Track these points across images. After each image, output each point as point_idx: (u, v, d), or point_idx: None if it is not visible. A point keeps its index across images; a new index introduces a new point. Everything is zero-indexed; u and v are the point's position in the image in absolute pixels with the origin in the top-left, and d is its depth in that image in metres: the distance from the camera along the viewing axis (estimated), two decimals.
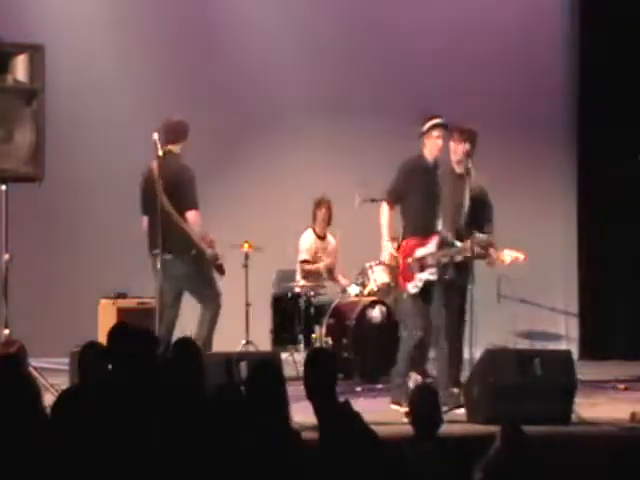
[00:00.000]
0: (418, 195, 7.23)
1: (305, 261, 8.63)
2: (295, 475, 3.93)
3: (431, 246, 7.19)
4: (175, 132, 7.30)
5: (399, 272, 7.38)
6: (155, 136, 7.34)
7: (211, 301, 7.29)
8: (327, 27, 9.70)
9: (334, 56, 9.67)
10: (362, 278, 8.55)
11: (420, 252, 7.25)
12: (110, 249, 9.16)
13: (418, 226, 7.25)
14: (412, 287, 7.23)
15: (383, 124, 9.65)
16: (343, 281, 8.71)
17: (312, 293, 8.45)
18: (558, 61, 10.21)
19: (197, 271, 7.34)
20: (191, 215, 7.29)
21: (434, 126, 7.23)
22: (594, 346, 9.84)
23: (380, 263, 8.45)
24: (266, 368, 4.38)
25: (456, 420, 6.16)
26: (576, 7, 10.24)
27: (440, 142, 7.23)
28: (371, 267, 8.50)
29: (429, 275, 7.17)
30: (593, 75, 10.06)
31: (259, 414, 4.07)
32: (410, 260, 7.25)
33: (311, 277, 8.62)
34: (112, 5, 9.38)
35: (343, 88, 9.66)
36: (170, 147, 7.25)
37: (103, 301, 7.86)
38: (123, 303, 7.81)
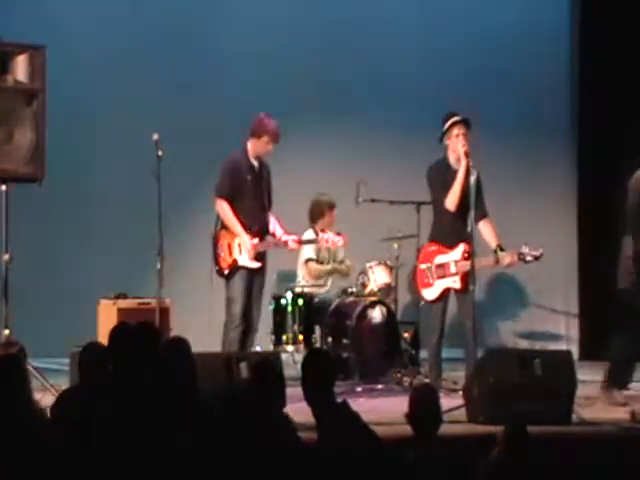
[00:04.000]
0: (440, 200, 7.19)
1: (312, 260, 8.61)
2: (293, 474, 3.93)
3: (455, 254, 7.16)
4: (251, 127, 7.43)
5: (414, 277, 7.37)
6: (155, 137, 7.36)
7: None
8: (327, 27, 9.69)
9: (335, 53, 9.66)
10: (362, 278, 8.54)
11: (440, 259, 7.22)
12: (110, 249, 9.16)
13: (440, 232, 7.22)
14: (429, 294, 7.22)
15: (384, 124, 9.64)
16: (347, 264, 8.68)
17: (312, 293, 8.44)
18: (559, 60, 10.19)
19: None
20: (216, 203, 7.37)
21: (454, 124, 7.17)
22: (594, 346, 9.82)
23: (381, 263, 8.46)
24: (267, 368, 4.39)
25: (456, 420, 6.15)
26: (577, 6, 10.23)
27: (462, 139, 7.14)
28: (371, 267, 8.50)
29: (452, 283, 7.14)
30: (594, 74, 10.05)
31: (258, 413, 4.07)
32: (426, 267, 7.22)
33: (317, 277, 8.60)
34: (113, 5, 9.37)
35: (342, 89, 9.64)
36: (248, 139, 7.46)
37: (103, 301, 7.86)
38: (123, 303, 7.79)
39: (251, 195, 7.41)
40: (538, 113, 10.02)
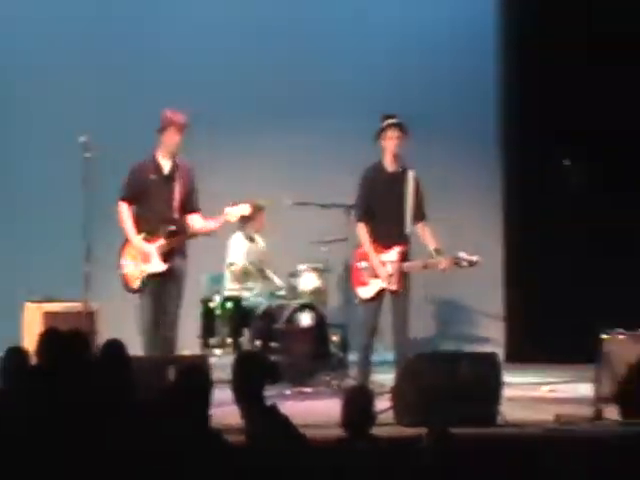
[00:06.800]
0: (377, 202, 7.23)
1: (233, 264, 8.59)
2: (220, 477, 3.92)
3: (391, 255, 7.20)
4: (159, 125, 7.37)
5: (351, 275, 7.41)
6: (83, 138, 7.30)
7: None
8: (265, 27, 9.68)
9: (270, 57, 9.66)
10: (292, 281, 8.56)
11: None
12: (38, 252, 9.04)
13: (378, 232, 7.24)
14: (364, 292, 7.25)
15: (316, 127, 9.65)
16: (276, 279, 8.68)
17: (241, 296, 8.42)
18: (487, 62, 10.24)
19: None
20: (117, 205, 7.32)
21: (388, 126, 7.22)
22: (520, 349, 9.96)
23: (311, 266, 8.49)
24: (193, 372, 4.37)
25: (384, 422, 6.19)
26: (504, 5, 10.31)
27: (396, 142, 7.19)
28: (301, 270, 8.52)
29: (387, 284, 7.17)
30: (520, 78, 10.15)
31: (183, 417, 4.06)
32: (363, 265, 7.25)
33: (242, 278, 8.58)
34: (44, 4, 9.26)
35: (276, 91, 9.64)
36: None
37: (28, 304, 7.76)
38: (49, 307, 7.70)
39: (157, 196, 7.33)
40: (467, 116, 10.09)
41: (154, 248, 7.28)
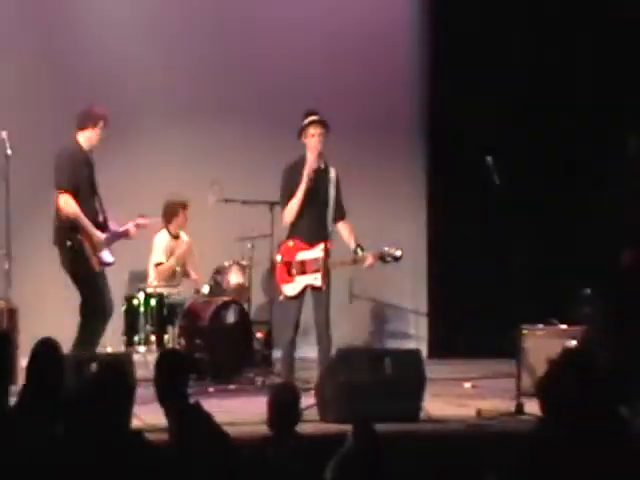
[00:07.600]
0: (301, 198, 7.23)
1: (160, 264, 8.54)
2: (142, 476, 3.90)
3: (316, 251, 7.20)
4: (82, 120, 7.24)
5: (275, 272, 7.39)
6: (4, 134, 7.20)
7: (86, 305, 7.15)
8: (182, 27, 9.64)
9: (194, 53, 9.61)
10: (216, 278, 8.54)
11: (302, 255, 7.25)
12: None
13: (302, 229, 7.24)
14: (289, 289, 7.25)
15: (237, 125, 9.64)
16: (193, 275, 8.64)
17: (165, 293, 8.38)
18: (410, 59, 10.33)
19: (74, 266, 7.14)
20: (59, 198, 7.09)
21: (310, 123, 7.22)
22: (442, 345, 10.06)
23: (235, 263, 8.48)
24: (116, 369, 4.34)
25: (308, 419, 6.21)
26: (426, 7, 10.40)
27: (318, 139, 7.20)
28: (225, 267, 8.50)
29: (313, 280, 7.18)
30: (445, 74, 10.24)
31: (103, 415, 4.02)
32: (288, 262, 7.25)
33: (167, 278, 8.54)
34: None
35: (198, 89, 9.61)
36: (77, 133, 7.24)
37: None
38: None
39: (91, 189, 7.23)
40: (391, 113, 10.15)
41: (104, 240, 7.22)
